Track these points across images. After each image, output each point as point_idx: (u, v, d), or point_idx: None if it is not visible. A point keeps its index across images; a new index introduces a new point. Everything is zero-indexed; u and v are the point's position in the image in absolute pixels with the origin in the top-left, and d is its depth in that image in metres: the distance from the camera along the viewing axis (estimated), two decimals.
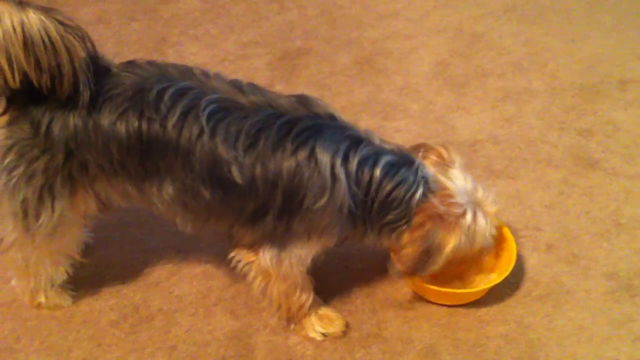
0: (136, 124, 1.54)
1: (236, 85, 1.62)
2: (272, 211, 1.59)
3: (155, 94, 1.54)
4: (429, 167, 1.70)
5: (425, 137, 2.48)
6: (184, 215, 1.69)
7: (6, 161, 1.59)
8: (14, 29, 1.40)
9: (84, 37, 1.52)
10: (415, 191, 1.63)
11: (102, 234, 2.11)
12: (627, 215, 2.18)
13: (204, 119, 1.53)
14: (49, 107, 1.54)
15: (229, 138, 1.53)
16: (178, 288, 1.99)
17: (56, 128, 1.54)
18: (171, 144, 1.54)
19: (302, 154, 1.54)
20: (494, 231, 1.75)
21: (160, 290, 1.98)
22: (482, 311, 1.91)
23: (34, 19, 1.41)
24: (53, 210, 1.64)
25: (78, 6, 3.28)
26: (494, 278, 1.88)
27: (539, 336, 1.84)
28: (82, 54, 1.51)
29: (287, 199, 1.57)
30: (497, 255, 1.93)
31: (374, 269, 2.01)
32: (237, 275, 1.92)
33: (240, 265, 1.75)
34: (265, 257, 1.68)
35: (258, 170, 1.54)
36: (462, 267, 1.88)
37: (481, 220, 1.70)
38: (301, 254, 1.68)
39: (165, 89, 1.55)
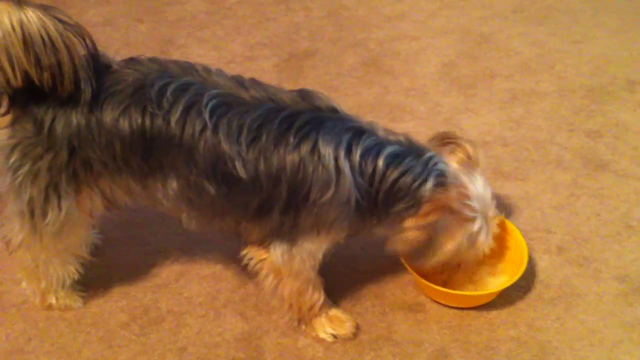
0: (139, 120, 1.53)
1: (238, 80, 1.62)
2: (278, 206, 1.58)
3: (158, 90, 1.54)
4: (453, 162, 1.69)
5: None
6: (188, 212, 1.68)
7: (11, 160, 1.58)
8: (13, 28, 1.40)
9: (83, 35, 1.52)
10: (425, 180, 1.60)
11: (111, 235, 2.11)
12: (637, 217, 2.17)
13: (206, 114, 1.52)
14: (51, 105, 1.53)
15: (231, 133, 1.53)
16: (187, 289, 1.98)
17: (59, 126, 1.54)
18: (174, 139, 1.54)
19: (305, 148, 1.53)
20: (486, 252, 1.75)
21: (170, 292, 1.97)
22: (493, 314, 1.90)
23: (32, 18, 1.41)
24: (60, 209, 1.63)
25: (85, 8, 3.29)
26: (505, 281, 1.88)
27: (550, 339, 1.83)
28: (82, 51, 1.51)
29: (292, 193, 1.56)
30: (509, 258, 1.93)
31: (384, 272, 2.01)
32: (246, 277, 1.93)
33: (251, 264, 1.74)
34: (277, 253, 1.67)
35: (261, 165, 1.54)
36: (470, 270, 1.88)
37: (483, 236, 1.69)
38: (312, 249, 1.67)
39: (167, 84, 1.54)
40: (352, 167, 1.56)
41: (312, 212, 1.58)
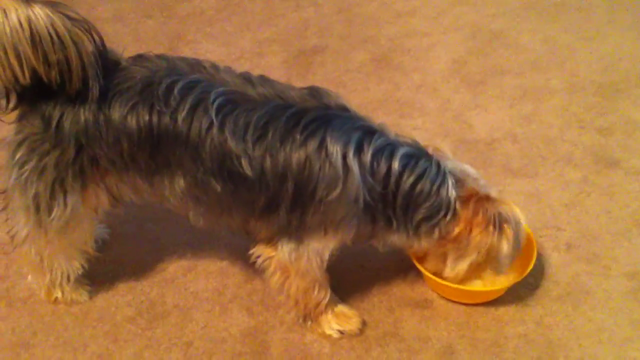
0: (147, 117, 1.53)
1: (245, 77, 1.62)
2: (284, 204, 1.57)
3: (165, 88, 1.54)
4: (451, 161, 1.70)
5: (443, 136, 2.47)
6: (195, 209, 1.68)
7: (17, 156, 1.59)
8: (21, 25, 1.40)
9: (91, 31, 1.52)
10: (444, 181, 1.61)
11: (118, 230, 2.12)
12: None
13: (213, 112, 1.52)
14: (59, 102, 1.54)
15: (237, 131, 1.52)
16: (194, 285, 1.98)
17: (67, 123, 1.54)
18: (181, 137, 1.54)
19: (312, 145, 1.53)
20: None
21: (176, 287, 1.97)
22: (501, 310, 1.89)
23: (40, 14, 1.41)
24: (65, 205, 1.64)
25: (94, 4, 3.29)
26: (513, 277, 1.86)
27: (559, 336, 1.82)
28: (90, 47, 1.51)
29: (298, 191, 1.55)
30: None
31: (391, 268, 2.00)
32: (253, 273, 1.93)
33: (259, 261, 1.73)
34: (284, 251, 1.67)
35: (267, 162, 1.53)
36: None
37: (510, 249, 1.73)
38: (319, 249, 1.67)
39: (174, 82, 1.54)
40: (361, 166, 1.55)
41: (319, 210, 1.57)
